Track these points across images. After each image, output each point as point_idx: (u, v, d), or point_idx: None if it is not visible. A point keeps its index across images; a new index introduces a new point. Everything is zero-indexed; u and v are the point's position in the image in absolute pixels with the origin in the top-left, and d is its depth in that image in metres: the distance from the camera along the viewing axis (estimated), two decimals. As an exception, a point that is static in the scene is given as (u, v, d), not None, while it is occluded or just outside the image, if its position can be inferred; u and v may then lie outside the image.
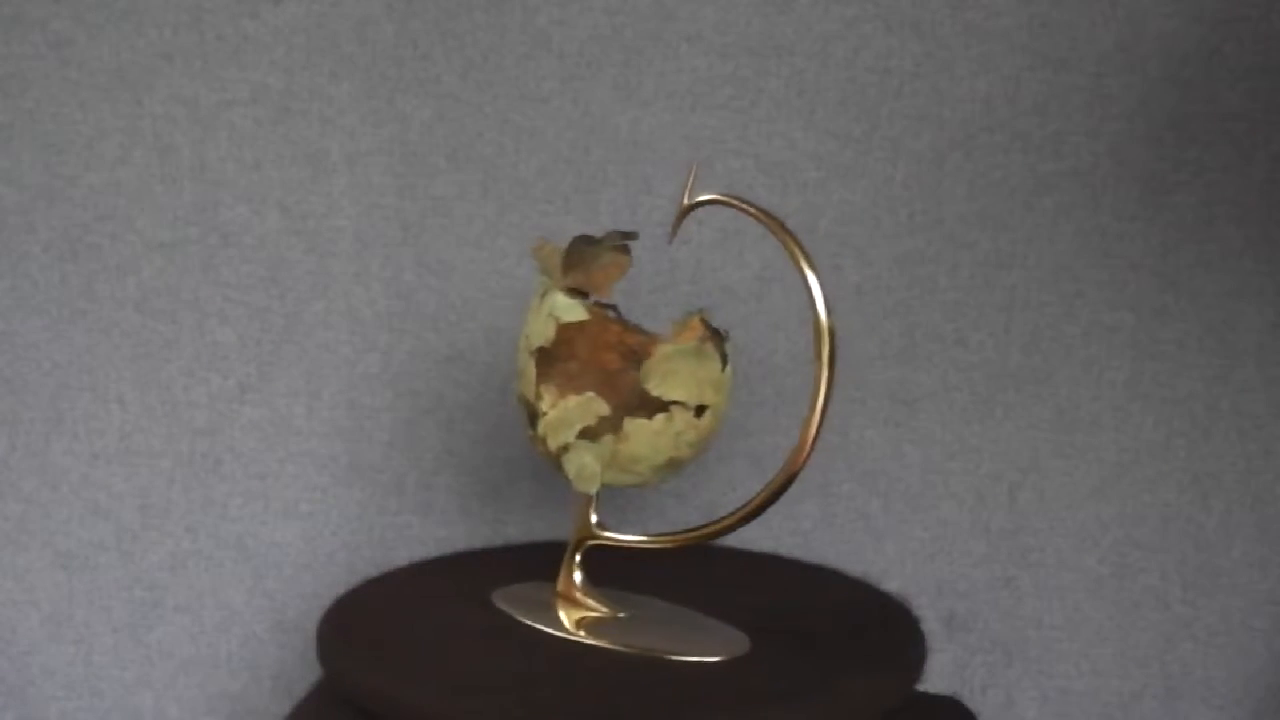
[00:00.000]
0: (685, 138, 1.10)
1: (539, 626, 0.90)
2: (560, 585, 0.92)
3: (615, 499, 1.12)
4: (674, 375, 0.86)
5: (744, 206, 0.87)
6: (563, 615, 0.91)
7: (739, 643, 0.89)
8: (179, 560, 1.14)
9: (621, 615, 0.91)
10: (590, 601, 0.91)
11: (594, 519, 0.91)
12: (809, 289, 0.83)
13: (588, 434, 0.86)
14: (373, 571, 1.02)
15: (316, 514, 1.14)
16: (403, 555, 1.12)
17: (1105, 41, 1.08)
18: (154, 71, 1.09)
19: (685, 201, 0.89)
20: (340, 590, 0.97)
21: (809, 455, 0.83)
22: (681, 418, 0.86)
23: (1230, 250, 1.10)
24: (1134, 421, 1.12)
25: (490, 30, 1.09)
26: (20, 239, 1.10)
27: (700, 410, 0.86)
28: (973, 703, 1.12)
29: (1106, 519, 1.13)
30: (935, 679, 1.03)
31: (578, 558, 0.91)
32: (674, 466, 0.88)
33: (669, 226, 1.11)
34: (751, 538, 1.13)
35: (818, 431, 0.84)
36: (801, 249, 0.84)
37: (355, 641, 0.89)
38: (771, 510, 1.13)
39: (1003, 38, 1.08)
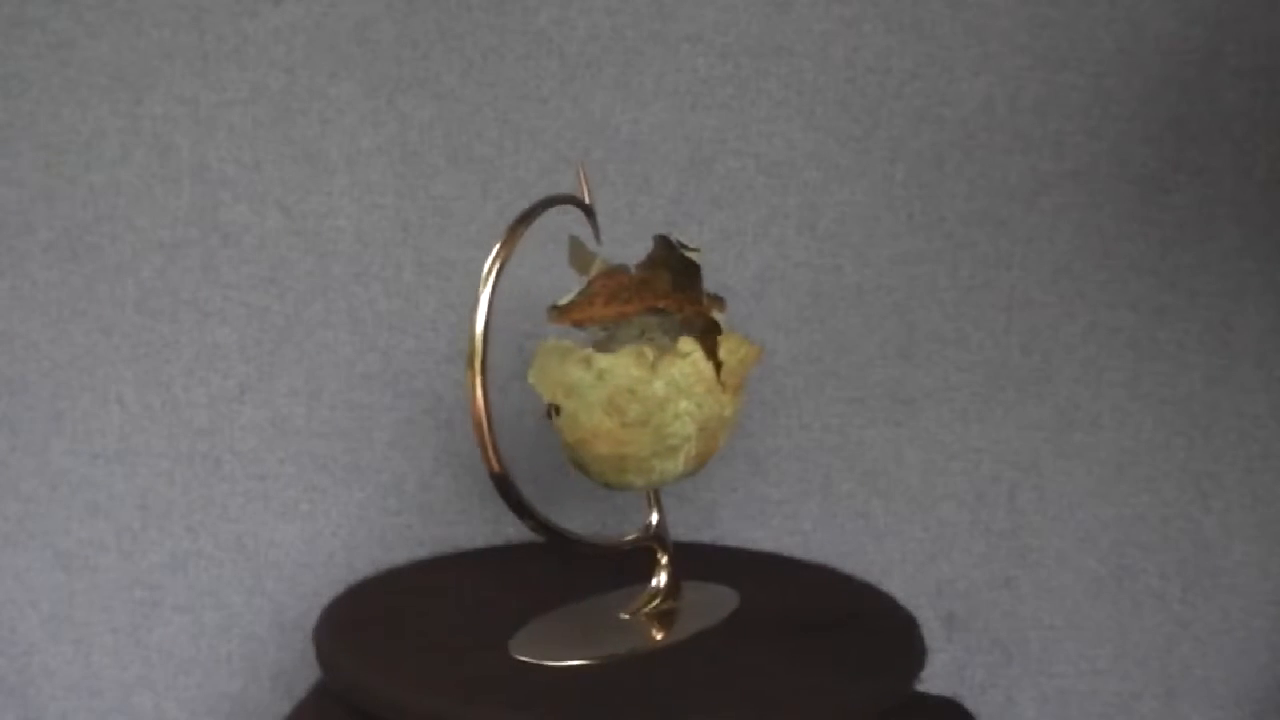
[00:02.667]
0: (685, 138, 1.10)
1: (538, 629, 0.90)
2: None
3: (615, 499, 1.12)
4: (543, 371, 0.86)
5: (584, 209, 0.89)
6: (562, 616, 0.91)
7: (739, 642, 0.89)
8: (179, 560, 1.14)
9: (623, 616, 0.91)
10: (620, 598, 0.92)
11: (653, 517, 0.92)
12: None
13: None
14: (373, 571, 1.03)
15: (316, 514, 1.14)
16: (403, 555, 1.12)
17: (1105, 41, 1.08)
18: (154, 71, 1.09)
19: (587, 201, 0.90)
20: (340, 590, 0.97)
21: (497, 460, 0.81)
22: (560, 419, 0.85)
23: (1230, 250, 1.10)
24: (1134, 421, 1.12)
25: (490, 30, 1.09)
26: (20, 239, 1.10)
27: (558, 410, 0.85)
28: (973, 703, 1.12)
29: (1106, 519, 1.13)
30: (935, 679, 1.03)
31: (662, 559, 0.92)
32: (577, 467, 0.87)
33: (668, 226, 1.11)
34: (752, 538, 1.14)
35: (490, 435, 0.81)
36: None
37: (353, 641, 0.89)
38: (772, 510, 1.14)
39: (1003, 38, 1.08)
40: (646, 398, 0.84)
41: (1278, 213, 1.10)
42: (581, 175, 0.89)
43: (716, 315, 0.88)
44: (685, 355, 0.85)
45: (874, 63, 1.09)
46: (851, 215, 1.11)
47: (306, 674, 0.97)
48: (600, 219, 1.11)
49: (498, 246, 0.83)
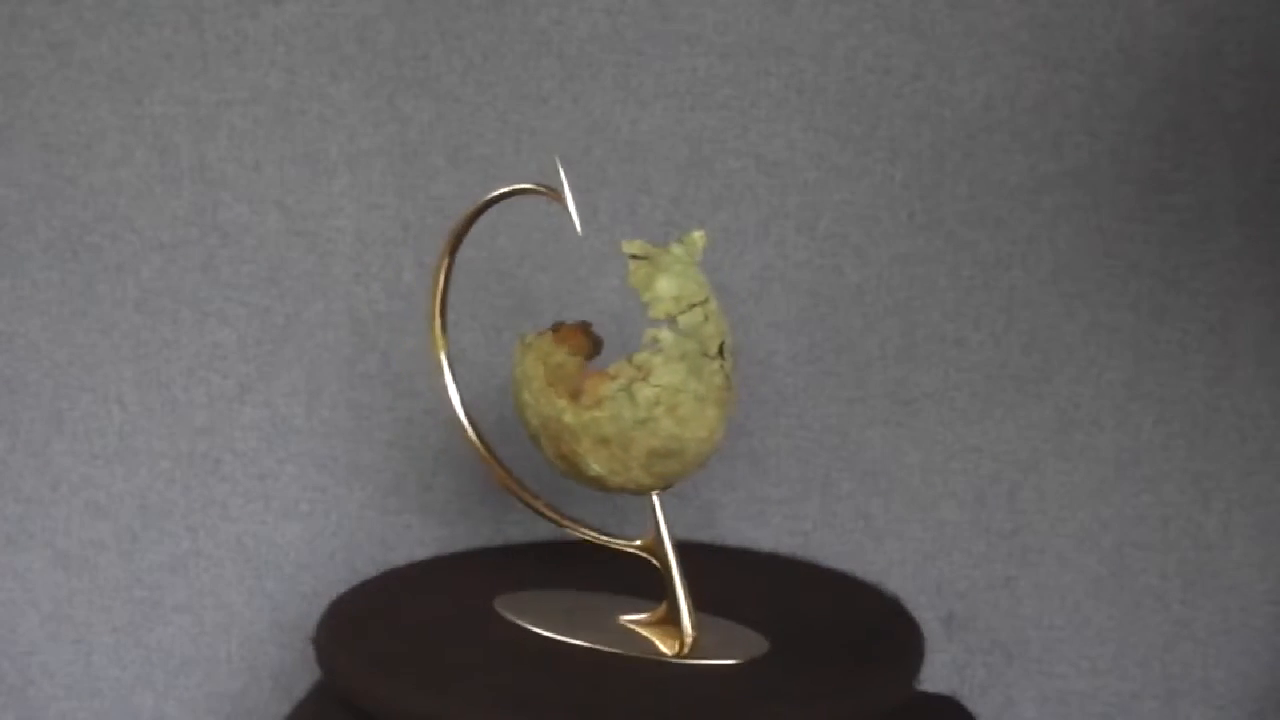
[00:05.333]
0: (685, 138, 1.10)
1: (539, 629, 0.90)
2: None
3: (616, 499, 1.12)
4: None
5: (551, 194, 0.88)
6: (562, 617, 0.91)
7: (741, 645, 0.89)
8: (179, 560, 1.14)
9: (623, 619, 0.91)
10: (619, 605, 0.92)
11: (662, 528, 0.90)
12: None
13: None
14: (373, 571, 1.02)
15: (316, 514, 1.14)
16: (403, 555, 1.12)
17: (1105, 41, 1.08)
18: (154, 71, 1.09)
19: (566, 197, 0.88)
20: (340, 590, 0.97)
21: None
22: None
23: (1230, 250, 1.10)
24: (1134, 421, 1.12)
25: (490, 30, 1.09)
26: (20, 239, 1.10)
27: None
28: (973, 703, 1.12)
29: (1106, 519, 1.13)
30: (935, 679, 1.03)
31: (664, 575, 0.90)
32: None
33: (668, 226, 1.11)
34: (752, 537, 1.14)
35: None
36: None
37: (353, 642, 0.89)
38: (772, 510, 1.14)
39: (1003, 38, 1.08)
40: (515, 380, 0.88)
41: (1278, 213, 1.10)
42: (560, 170, 0.88)
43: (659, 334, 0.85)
44: (529, 346, 0.87)
45: (874, 63, 1.09)
46: (851, 215, 1.11)
47: (306, 674, 0.97)
48: (601, 219, 1.11)
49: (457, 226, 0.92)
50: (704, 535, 1.13)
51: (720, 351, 0.85)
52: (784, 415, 1.13)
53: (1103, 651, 1.14)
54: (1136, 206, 1.10)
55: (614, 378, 0.84)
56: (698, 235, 0.87)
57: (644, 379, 0.83)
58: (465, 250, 1.11)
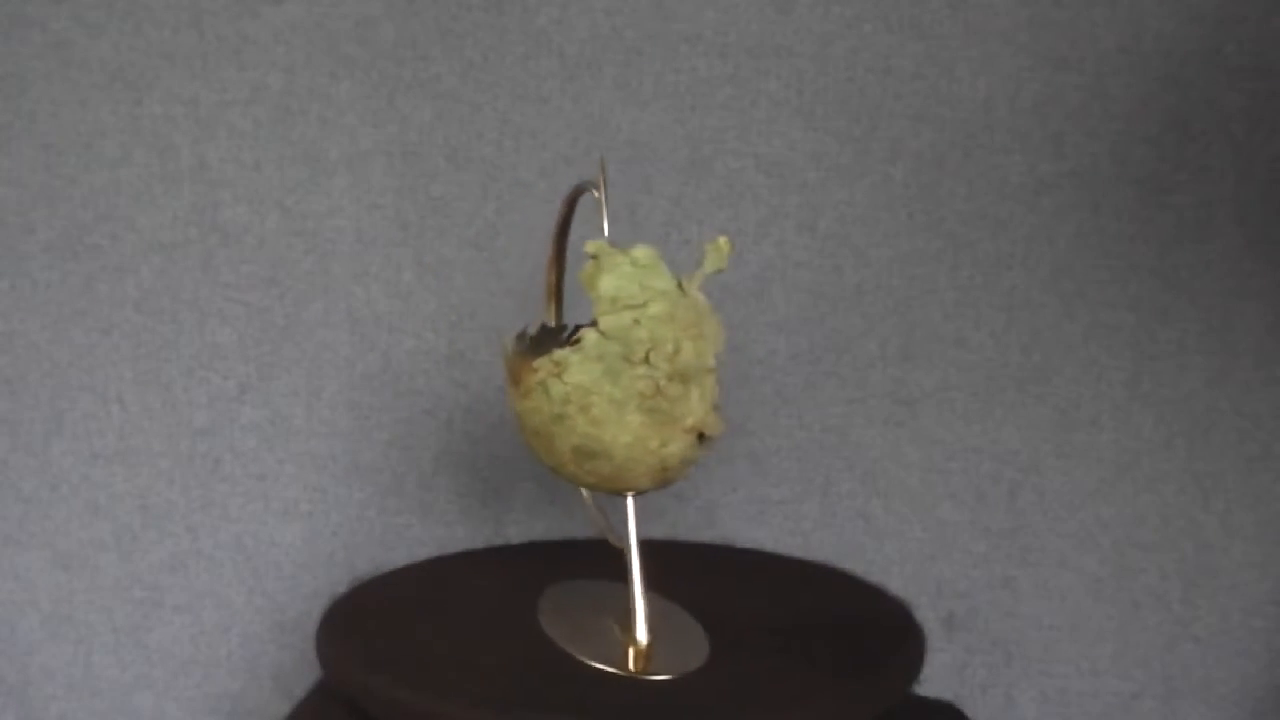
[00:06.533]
0: (685, 138, 1.10)
1: (541, 628, 0.90)
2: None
3: (617, 503, 1.12)
4: None
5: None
6: (564, 616, 0.91)
7: (735, 646, 0.89)
8: (179, 560, 1.14)
9: (625, 619, 0.91)
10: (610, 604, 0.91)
11: (630, 524, 0.89)
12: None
13: None
14: (373, 571, 1.03)
15: (316, 514, 1.14)
16: (403, 555, 1.12)
17: (1105, 41, 1.08)
18: (154, 71, 1.09)
19: (601, 196, 0.87)
20: (340, 590, 0.97)
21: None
22: None
23: (1230, 250, 1.10)
24: (1134, 421, 1.12)
25: (490, 30, 1.09)
26: (20, 239, 1.10)
27: None
28: (972, 703, 1.12)
29: (1106, 519, 1.13)
30: (935, 679, 1.03)
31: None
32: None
33: (668, 226, 1.11)
34: (752, 537, 1.14)
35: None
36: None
37: (354, 641, 0.89)
38: (772, 510, 1.14)
39: (1003, 38, 1.08)
40: None
41: (1278, 213, 1.10)
42: (601, 172, 0.88)
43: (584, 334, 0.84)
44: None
45: (874, 63, 1.09)
46: (851, 215, 1.11)
47: (306, 674, 0.97)
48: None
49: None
50: (704, 535, 1.13)
51: (646, 358, 0.83)
52: (784, 415, 1.13)
53: (1103, 651, 1.14)
54: (1136, 206, 1.10)
55: (535, 371, 0.84)
56: (723, 241, 0.86)
57: (558, 375, 0.83)
58: (465, 250, 1.12)
